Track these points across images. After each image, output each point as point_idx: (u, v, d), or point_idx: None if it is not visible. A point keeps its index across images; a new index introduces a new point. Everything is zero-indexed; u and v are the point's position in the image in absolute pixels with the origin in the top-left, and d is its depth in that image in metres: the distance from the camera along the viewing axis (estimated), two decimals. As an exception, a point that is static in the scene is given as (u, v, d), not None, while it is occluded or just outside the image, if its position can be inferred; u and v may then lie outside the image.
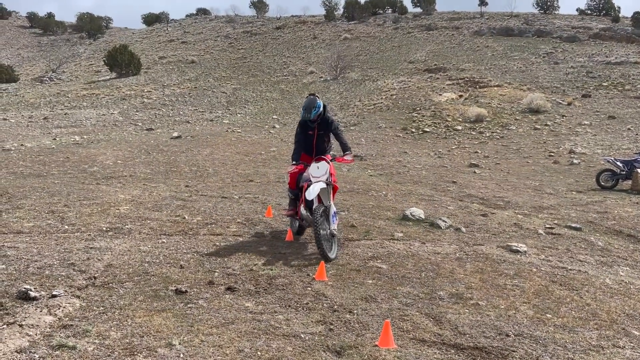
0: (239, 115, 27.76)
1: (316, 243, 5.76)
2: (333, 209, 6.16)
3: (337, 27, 52.63)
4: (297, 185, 6.62)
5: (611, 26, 44.46)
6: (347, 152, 6.47)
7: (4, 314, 3.89)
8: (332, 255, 5.82)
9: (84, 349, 3.41)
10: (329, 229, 5.97)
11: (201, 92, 33.44)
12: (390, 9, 58.08)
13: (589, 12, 53.57)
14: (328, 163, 6.29)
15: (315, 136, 6.56)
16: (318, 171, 6.22)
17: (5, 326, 3.69)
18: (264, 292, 4.78)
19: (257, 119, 26.24)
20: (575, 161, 17.37)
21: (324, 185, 6.09)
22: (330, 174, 6.40)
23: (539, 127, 23.40)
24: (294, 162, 6.48)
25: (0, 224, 6.60)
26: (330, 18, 55.86)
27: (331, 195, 6.29)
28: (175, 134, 19.32)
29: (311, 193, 5.96)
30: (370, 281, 5.22)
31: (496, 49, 39.90)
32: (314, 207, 5.99)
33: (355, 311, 4.41)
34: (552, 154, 18.98)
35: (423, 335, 4.03)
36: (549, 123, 23.82)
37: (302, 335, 3.87)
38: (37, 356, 3.28)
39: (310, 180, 6.19)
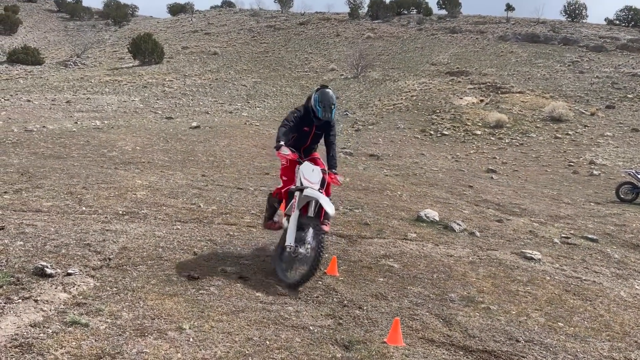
0: (258, 108, 27.85)
1: (274, 263, 4.86)
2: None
3: (360, 25, 52.44)
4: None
5: (639, 37, 43.62)
6: (336, 172, 5.33)
7: (20, 288, 3.97)
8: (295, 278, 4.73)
9: (96, 327, 3.46)
10: (306, 247, 4.82)
11: (222, 83, 33.60)
12: (415, 10, 57.67)
13: (617, 22, 52.63)
14: (324, 171, 5.20)
15: (311, 135, 5.42)
16: (313, 175, 5.04)
17: (20, 300, 3.76)
18: (275, 283, 4.80)
19: (275, 114, 26.28)
20: (595, 172, 17.12)
21: (323, 196, 4.91)
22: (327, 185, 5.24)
23: (560, 136, 23.09)
24: (280, 142, 4.98)
25: (19, 202, 6.72)
26: (354, 16, 55.68)
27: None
28: (194, 124, 19.45)
29: (329, 207, 4.78)
30: (381, 279, 5.21)
31: (520, 55, 39.42)
32: (298, 217, 4.91)
33: (365, 307, 4.41)
34: (572, 163, 18.72)
35: (432, 336, 4.01)
36: (570, 132, 23.49)
37: (311, 328, 3.88)
38: (50, 331, 3.33)
39: (301, 184, 4.99)
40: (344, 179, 5.41)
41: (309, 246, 4.77)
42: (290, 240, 4.81)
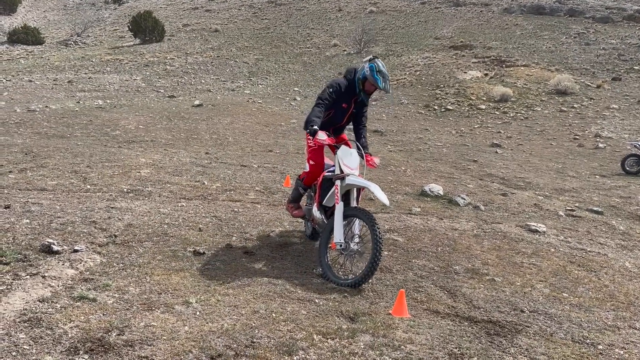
0: (260, 86, 27.66)
1: (321, 265, 4.42)
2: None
3: (363, -1, 51.65)
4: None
5: (647, 8, 42.80)
6: (371, 154, 4.92)
7: (27, 265, 4.00)
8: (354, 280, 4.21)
9: (104, 301, 3.50)
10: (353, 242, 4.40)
11: (223, 61, 33.33)
12: (418, -17, 56.72)
13: (624, -8, 51.61)
14: (361, 154, 4.75)
15: (349, 113, 4.89)
16: (352, 160, 4.55)
17: (28, 277, 3.80)
18: (280, 257, 4.82)
19: (278, 91, 26.12)
20: (600, 145, 17.00)
21: (374, 185, 4.39)
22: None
23: (565, 109, 22.88)
24: (314, 127, 4.45)
25: (24, 181, 6.74)
26: (356, -10, 54.79)
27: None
28: (197, 102, 19.36)
29: (383, 197, 4.31)
30: (386, 252, 5.22)
31: (525, 28, 38.83)
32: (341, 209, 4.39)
33: (370, 280, 4.43)
34: (577, 137, 18.59)
35: (437, 307, 4.04)
36: (575, 105, 23.27)
37: (317, 301, 3.91)
38: (59, 306, 3.37)
39: (341, 171, 4.50)
40: (380, 162, 5.06)
41: (357, 240, 4.38)
42: (339, 236, 4.31)
